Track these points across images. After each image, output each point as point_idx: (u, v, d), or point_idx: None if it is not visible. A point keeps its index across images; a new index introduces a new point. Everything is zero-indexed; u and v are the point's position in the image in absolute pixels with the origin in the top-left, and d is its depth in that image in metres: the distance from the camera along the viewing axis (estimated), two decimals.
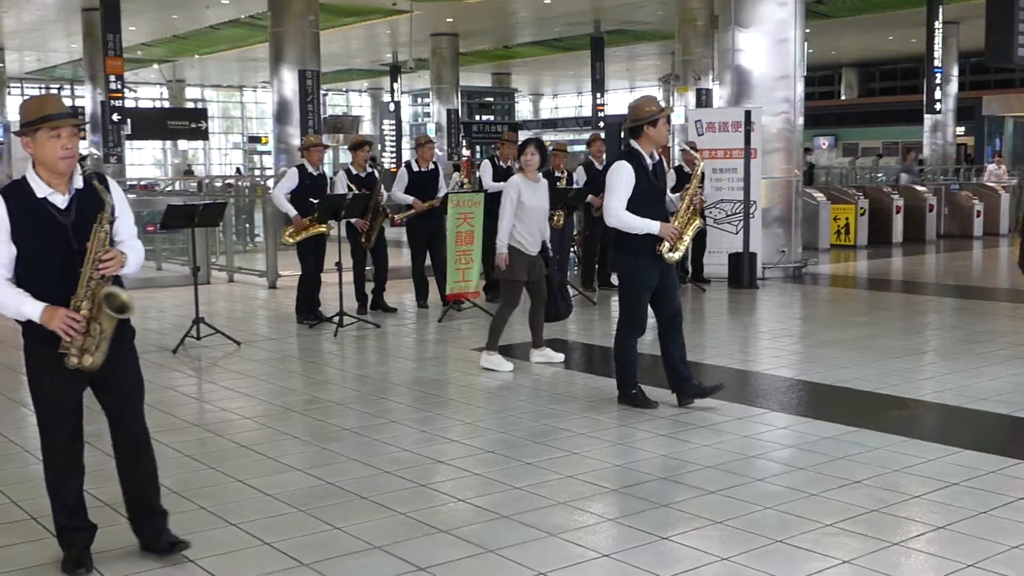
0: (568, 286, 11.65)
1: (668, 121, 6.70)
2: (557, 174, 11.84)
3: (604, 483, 5.27)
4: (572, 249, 13.05)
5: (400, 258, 12.64)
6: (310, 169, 10.43)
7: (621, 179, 6.55)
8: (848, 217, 18.42)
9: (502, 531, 4.59)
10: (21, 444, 6.21)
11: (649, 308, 6.81)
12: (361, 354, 9.39)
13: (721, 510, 4.82)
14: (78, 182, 4.01)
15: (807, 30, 14.86)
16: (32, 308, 3.90)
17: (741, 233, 13.12)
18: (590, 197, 12.25)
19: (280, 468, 5.62)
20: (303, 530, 4.64)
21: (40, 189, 3.95)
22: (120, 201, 4.10)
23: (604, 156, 12.56)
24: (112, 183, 4.11)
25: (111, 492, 5.17)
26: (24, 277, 3.95)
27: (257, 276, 14.20)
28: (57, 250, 3.94)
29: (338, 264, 10.01)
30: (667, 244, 6.55)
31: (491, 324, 8.28)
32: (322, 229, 10.14)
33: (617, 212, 6.55)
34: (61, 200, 3.97)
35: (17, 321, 4.04)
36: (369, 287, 11.09)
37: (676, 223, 6.65)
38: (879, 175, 26.73)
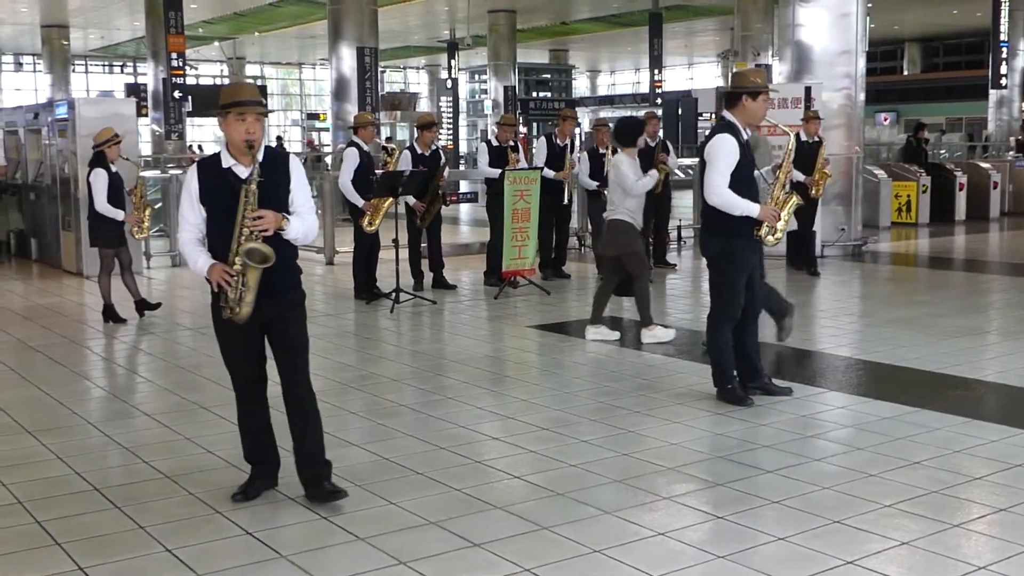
0: None
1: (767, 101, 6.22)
2: (602, 150, 11.76)
3: (659, 461, 5.25)
4: None
5: (456, 235, 12.67)
6: (364, 147, 10.51)
7: (725, 153, 6.07)
8: (910, 194, 18.13)
9: (557, 508, 4.60)
10: (84, 416, 6.33)
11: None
12: (417, 331, 9.43)
13: (778, 489, 4.79)
14: (259, 157, 4.48)
15: (869, 4, 14.62)
16: (204, 263, 4.48)
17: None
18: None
19: (337, 443, 5.66)
20: (359, 504, 4.67)
21: (226, 160, 4.51)
22: (297, 174, 4.60)
23: (657, 136, 12.48)
24: (293, 159, 4.65)
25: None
26: (211, 237, 4.54)
27: (315, 252, 14.32)
28: (234, 213, 4.42)
29: (395, 241, 10.05)
30: (765, 227, 6.17)
31: (638, 301, 8.27)
32: (389, 202, 10.21)
33: (720, 189, 6.05)
34: (243, 171, 4.48)
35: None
36: (424, 264, 11.18)
37: (772, 203, 6.22)
38: (942, 151, 26.25)
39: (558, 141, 11.67)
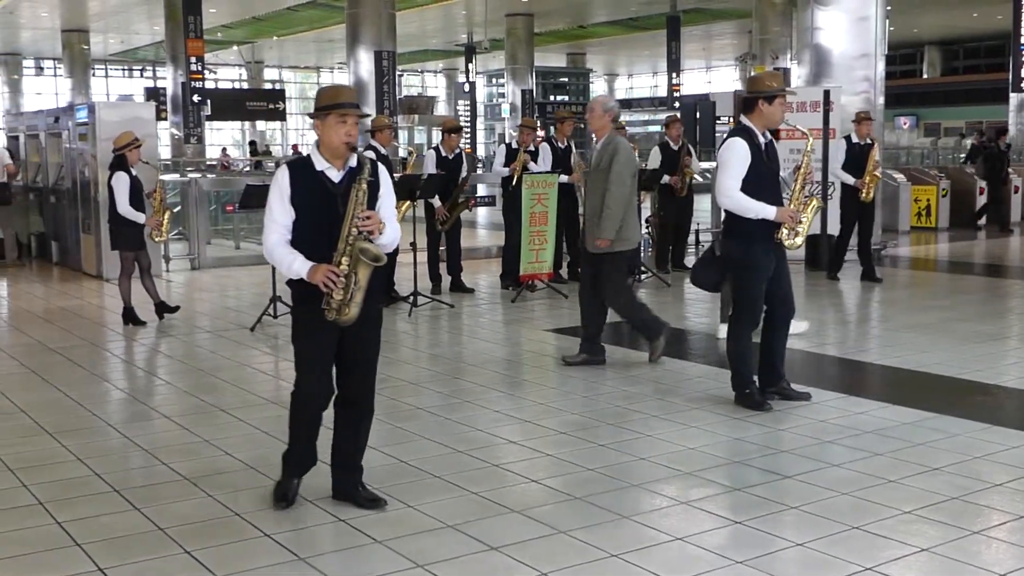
0: (641, 267, 11.67)
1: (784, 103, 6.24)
2: None
3: (677, 466, 5.24)
4: (647, 230, 12.98)
5: (474, 239, 12.69)
6: (381, 150, 10.54)
7: (736, 156, 6.10)
8: (929, 199, 18.04)
9: (574, 513, 4.60)
10: (104, 418, 6.37)
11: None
12: (435, 334, 9.44)
13: (796, 495, 4.77)
14: (352, 161, 4.51)
15: (888, 7, 14.56)
16: (301, 265, 4.41)
17: (819, 215, 12.91)
18: (669, 178, 12.18)
19: None
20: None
21: (319, 163, 4.50)
22: (385, 183, 4.60)
23: (681, 139, 12.42)
24: (381, 167, 4.61)
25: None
26: (299, 240, 4.48)
27: None
28: (327, 216, 4.44)
29: (413, 244, 10.07)
30: (785, 230, 6.16)
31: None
32: (407, 205, 10.25)
33: (732, 192, 6.08)
34: (336, 175, 4.49)
35: (287, 284, 4.58)
36: (442, 268, 11.21)
37: (792, 206, 6.23)
38: (962, 156, 26.14)
39: (559, 144, 11.68)
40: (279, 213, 4.47)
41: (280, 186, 4.46)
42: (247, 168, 28.10)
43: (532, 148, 11.52)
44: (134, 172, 9.38)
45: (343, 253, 4.37)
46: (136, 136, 9.52)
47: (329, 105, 4.44)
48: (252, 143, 39.24)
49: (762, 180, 6.16)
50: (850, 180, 11.38)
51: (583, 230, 7.72)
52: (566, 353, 7.83)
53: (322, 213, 4.44)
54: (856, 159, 11.42)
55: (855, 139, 11.53)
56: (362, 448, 4.75)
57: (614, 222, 7.37)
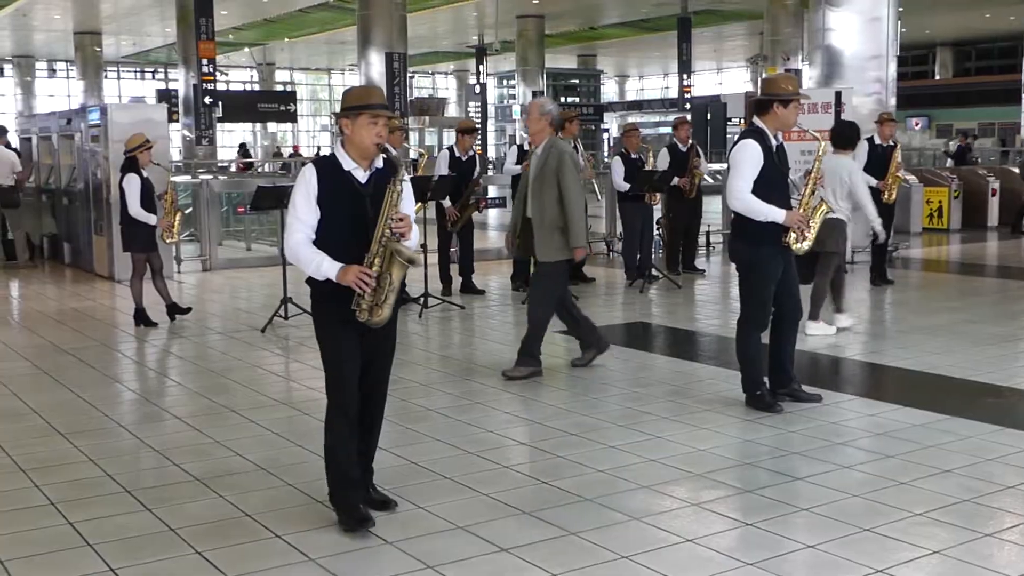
0: (652, 268, 11.66)
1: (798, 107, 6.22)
2: (633, 155, 11.74)
3: (688, 467, 5.24)
4: (657, 232, 12.96)
5: (484, 240, 12.68)
6: (392, 152, 10.54)
7: (748, 159, 6.06)
8: (941, 200, 17.98)
9: (584, 514, 4.60)
10: (116, 420, 6.38)
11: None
12: (445, 335, 9.45)
13: (807, 497, 4.77)
14: (379, 163, 4.47)
15: (900, 8, 14.53)
16: (330, 266, 4.30)
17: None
18: (678, 180, 12.15)
19: None
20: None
21: (346, 163, 4.42)
22: (407, 186, 4.53)
23: (689, 140, 12.38)
24: (404, 175, 4.53)
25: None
26: (324, 240, 4.37)
27: None
28: (354, 217, 4.37)
29: (423, 245, 10.06)
30: (793, 234, 6.13)
31: (814, 296, 8.52)
32: (417, 206, 10.28)
33: (743, 194, 6.04)
34: (362, 175, 4.43)
35: (307, 283, 4.45)
36: (452, 269, 11.22)
37: (801, 210, 6.22)
38: (975, 157, 26.06)
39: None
40: (304, 212, 4.35)
41: (308, 184, 4.35)
42: (259, 169, 28.18)
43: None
44: (145, 174, 9.41)
45: (376, 255, 4.29)
46: (148, 138, 9.55)
47: (360, 105, 4.37)
48: (242, 145, 37.60)
49: (773, 182, 6.14)
50: (872, 182, 11.26)
51: (526, 238, 7.39)
52: (575, 355, 7.82)
53: (349, 213, 4.35)
54: (879, 160, 11.27)
55: (877, 140, 11.40)
56: (373, 449, 4.73)
57: (582, 226, 7.25)
